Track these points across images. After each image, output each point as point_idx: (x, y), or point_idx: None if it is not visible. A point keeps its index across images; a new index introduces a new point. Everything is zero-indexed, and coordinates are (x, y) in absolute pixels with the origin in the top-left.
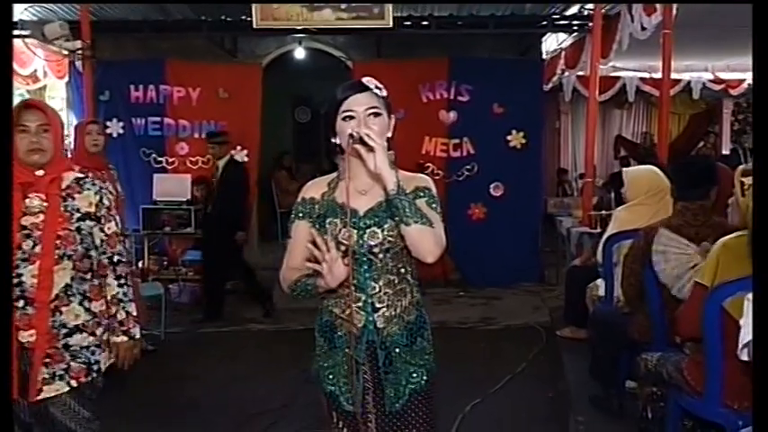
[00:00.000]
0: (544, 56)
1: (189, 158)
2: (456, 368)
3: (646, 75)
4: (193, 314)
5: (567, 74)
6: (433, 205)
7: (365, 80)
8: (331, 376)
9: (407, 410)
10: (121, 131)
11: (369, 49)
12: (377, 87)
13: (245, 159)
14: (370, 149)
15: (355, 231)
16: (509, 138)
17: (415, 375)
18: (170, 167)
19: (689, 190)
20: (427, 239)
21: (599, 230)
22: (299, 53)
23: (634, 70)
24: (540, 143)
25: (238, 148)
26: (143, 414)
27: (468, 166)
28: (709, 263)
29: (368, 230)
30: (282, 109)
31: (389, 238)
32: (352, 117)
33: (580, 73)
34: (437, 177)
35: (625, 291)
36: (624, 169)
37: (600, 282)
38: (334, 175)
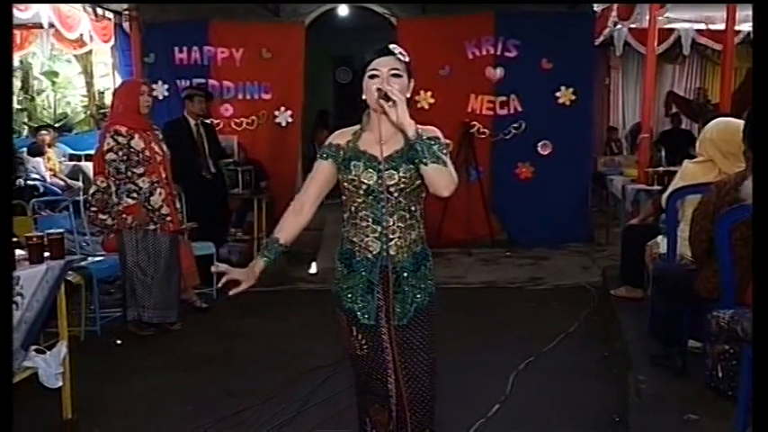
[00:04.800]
0: (595, 8)
1: (234, 120)
2: (507, 327)
3: (702, 26)
4: None
5: (619, 27)
6: (443, 151)
7: (391, 46)
8: (350, 296)
9: (412, 325)
10: (166, 94)
11: (413, 6)
12: (400, 53)
13: (290, 120)
14: (394, 104)
15: (375, 173)
16: (558, 94)
17: (418, 296)
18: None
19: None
20: (443, 176)
21: (657, 187)
22: (342, 10)
23: (690, 21)
24: (590, 100)
25: (282, 108)
26: (200, 367)
27: (515, 124)
28: None
29: (386, 173)
30: (323, 69)
31: (404, 180)
32: (376, 76)
33: (633, 25)
34: (483, 136)
35: (693, 247)
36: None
37: (661, 239)
38: (358, 126)
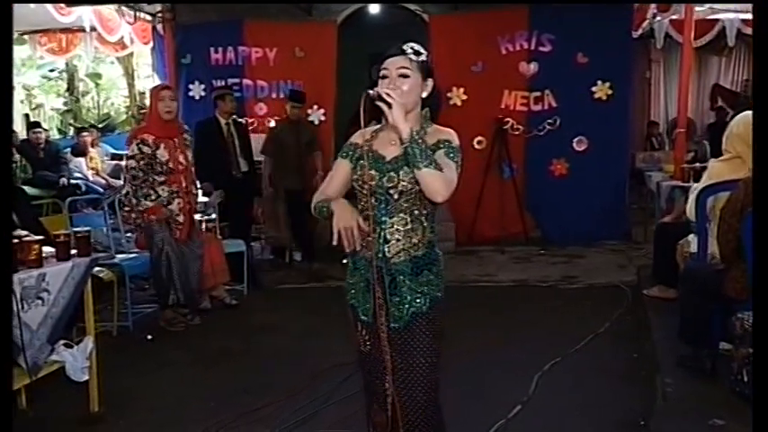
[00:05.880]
0: None
1: (267, 118)
2: (535, 326)
3: (749, 16)
4: (273, 271)
5: (658, 18)
6: (451, 155)
7: (405, 45)
8: (353, 291)
9: (410, 329)
10: (203, 94)
11: (446, 2)
12: (414, 52)
13: (322, 119)
14: (389, 105)
15: (377, 174)
16: (594, 89)
17: (417, 301)
18: (249, 128)
19: None
20: (435, 181)
21: (693, 184)
22: (374, 8)
23: (735, 11)
24: (627, 94)
25: (314, 107)
26: (225, 363)
27: (549, 120)
28: None
29: (387, 174)
30: (358, 67)
31: (403, 182)
32: (386, 77)
33: (674, 17)
34: (517, 132)
35: (721, 246)
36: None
37: (692, 237)
38: (379, 126)
